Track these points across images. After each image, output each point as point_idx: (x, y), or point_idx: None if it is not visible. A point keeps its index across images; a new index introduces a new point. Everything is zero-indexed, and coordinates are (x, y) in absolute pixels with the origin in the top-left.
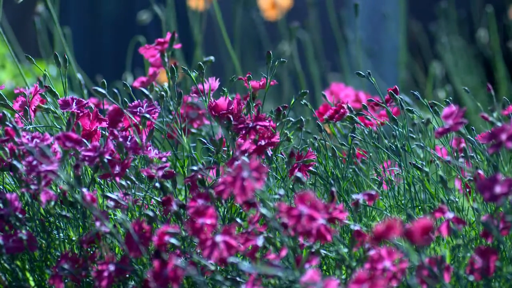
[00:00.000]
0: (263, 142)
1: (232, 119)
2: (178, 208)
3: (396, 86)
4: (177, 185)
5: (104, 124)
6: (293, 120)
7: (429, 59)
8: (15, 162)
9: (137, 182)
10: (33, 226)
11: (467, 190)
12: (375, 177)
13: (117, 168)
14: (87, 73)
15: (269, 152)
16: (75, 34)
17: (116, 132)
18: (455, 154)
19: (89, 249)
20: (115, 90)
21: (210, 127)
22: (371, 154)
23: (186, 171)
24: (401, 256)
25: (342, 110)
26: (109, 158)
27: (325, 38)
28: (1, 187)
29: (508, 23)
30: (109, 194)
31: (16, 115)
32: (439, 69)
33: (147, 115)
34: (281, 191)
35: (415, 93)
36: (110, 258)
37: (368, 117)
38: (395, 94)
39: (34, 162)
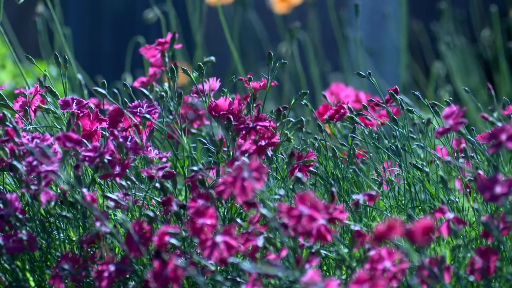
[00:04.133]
0: (263, 143)
1: (232, 119)
2: (178, 208)
3: (397, 86)
4: (177, 186)
5: (104, 125)
6: (293, 120)
7: (430, 59)
8: (15, 163)
9: (137, 183)
10: (33, 227)
11: (468, 190)
12: (375, 178)
13: (117, 169)
14: (87, 73)
15: (269, 153)
16: (75, 34)
17: (116, 132)
18: (456, 154)
19: (89, 250)
20: (115, 91)
21: (210, 128)
22: (371, 154)
23: (186, 172)
24: (402, 257)
25: (342, 111)
26: (109, 158)
27: (325, 38)
28: (1, 187)
29: (509, 23)
30: (109, 195)
31: (17, 115)
32: (440, 69)
33: (147, 116)
34: (282, 192)
35: (416, 93)
36: (110, 258)
37: (369, 117)
38: (395, 94)
39: (35, 163)
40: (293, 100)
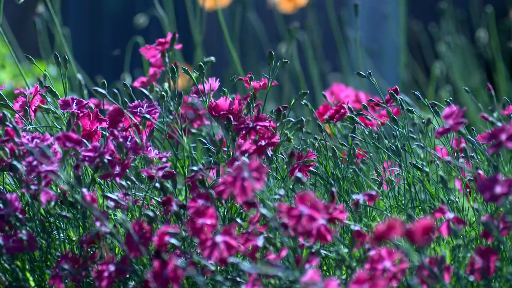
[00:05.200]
0: (263, 143)
1: (232, 119)
2: (178, 208)
3: (397, 86)
4: (177, 185)
5: (104, 124)
6: (293, 120)
7: (429, 59)
8: (15, 162)
9: (137, 182)
10: (33, 226)
11: (468, 190)
12: (375, 177)
13: (117, 168)
14: (87, 73)
15: (269, 153)
16: (75, 34)
17: (116, 132)
18: (455, 154)
19: (89, 249)
20: (115, 91)
21: (211, 127)
22: (371, 154)
23: (186, 171)
24: (401, 256)
25: (342, 110)
26: (109, 158)
27: (325, 39)
28: (1, 187)
29: (509, 23)
30: (109, 194)
31: (16, 115)
32: (439, 69)
33: (147, 115)
34: (281, 191)
35: (416, 93)
36: (110, 258)
37: (369, 117)
38: (395, 94)
39: (34, 162)
40: (293, 100)
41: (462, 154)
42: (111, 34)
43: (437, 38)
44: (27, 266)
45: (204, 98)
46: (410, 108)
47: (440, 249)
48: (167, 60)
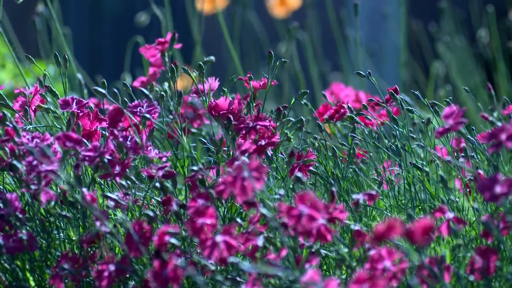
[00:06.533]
0: (263, 142)
1: (232, 119)
2: (178, 208)
3: (396, 86)
4: (177, 185)
5: (104, 124)
6: (293, 120)
7: (429, 58)
8: (15, 162)
9: (137, 182)
10: (33, 226)
11: (467, 190)
12: (375, 177)
13: (117, 168)
14: (87, 73)
15: (269, 152)
16: (75, 34)
17: (116, 132)
18: (455, 154)
19: (89, 249)
20: (115, 90)
21: (210, 127)
22: (371, 154)
23: (186, 171)
24: (401, 256)
25: (342, 110)
26: (109, 158)
27: (325, 38)
28: (1, 187)
29: (509, 23)
30: (109, 194)
31: (16, 115)
32: (439, 68)
33: (147, 115)
34: (281, 191)
35: (416, 92)
36: (110, 258)
37: (369, 117)
38: (395, 94)
39: (34, 162)
40: (293, 100)
41: (462, 154)
42: (111, 34)
43: (437, 38)
44: (27, 266)
45: (204, 98)
46: (410, 108)
47: (440, 249)
48: (166, 59)
